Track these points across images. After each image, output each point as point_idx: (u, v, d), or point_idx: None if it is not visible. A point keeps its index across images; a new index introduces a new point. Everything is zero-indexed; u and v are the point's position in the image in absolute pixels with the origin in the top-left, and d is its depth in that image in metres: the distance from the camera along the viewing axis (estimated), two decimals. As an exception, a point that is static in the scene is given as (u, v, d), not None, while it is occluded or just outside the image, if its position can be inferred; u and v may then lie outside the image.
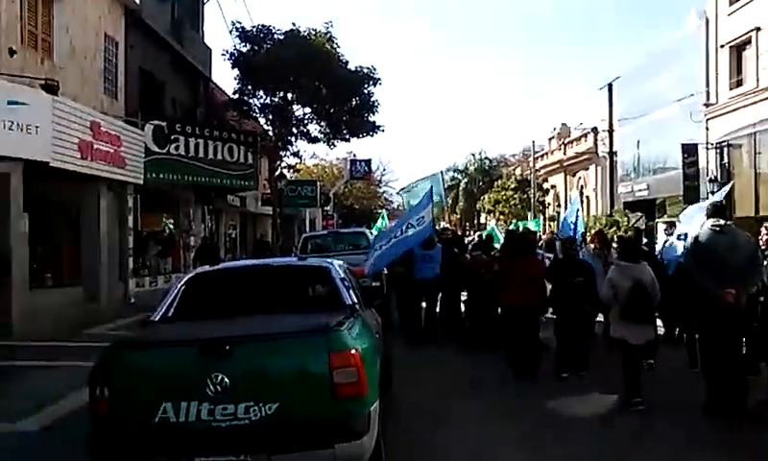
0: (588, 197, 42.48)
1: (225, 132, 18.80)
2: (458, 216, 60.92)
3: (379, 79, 17.61)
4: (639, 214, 27.38)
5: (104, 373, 4.17)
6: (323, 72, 16.80)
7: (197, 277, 5.88)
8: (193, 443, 4.01)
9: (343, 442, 4.02)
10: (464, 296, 11.29)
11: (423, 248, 10.70)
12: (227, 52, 17.88)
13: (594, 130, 40.17)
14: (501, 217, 48.47)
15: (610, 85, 28.91)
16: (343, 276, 5.70)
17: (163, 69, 18.96)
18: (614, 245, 11.60)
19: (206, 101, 22.98)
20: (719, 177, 24.57)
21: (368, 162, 38.98)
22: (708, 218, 6.74)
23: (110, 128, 14.36)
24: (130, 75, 16.67)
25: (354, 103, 17.96)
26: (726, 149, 24.13)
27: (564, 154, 45.89)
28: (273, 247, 23.12)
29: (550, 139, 48.78)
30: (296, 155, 18.84)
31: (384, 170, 54.49)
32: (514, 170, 55.98)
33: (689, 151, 25.07)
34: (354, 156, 39.38)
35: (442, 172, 18.10)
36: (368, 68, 17.53)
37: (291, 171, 20.37)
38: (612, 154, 28.47)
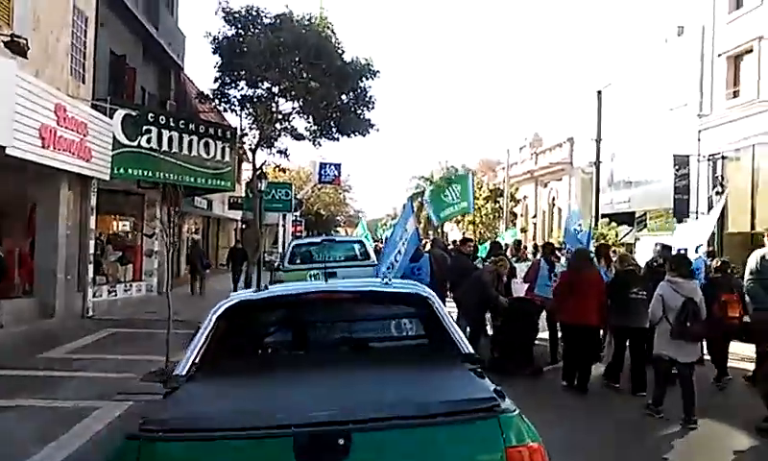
0: (560, 208, 41.75)
1: (201, 125, 16.86)
2: (422, 224, 59.87)
3: (377, 72, 16.01)
4: (629, 228, 26.53)
5: None
6: (317, 62, 15.06)
7: (238, 307, 4.04)
8: None
9: None
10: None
11: (411, 260, 9.58)
12: (209, 34, 15.90)
13: (570, 140, 39.49)
14: (471, 227, 47.45)
15: (599, 93, 27.99)
16: (443, 307, 4.10)
17: (135, 54, 16.99)
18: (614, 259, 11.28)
19: (178, 93, 21.06)
20: (711, 190, 23.83)
21: (338, 166, 37.16)
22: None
23: (77, 113, 12.40)
24: (99, 57, 14.68)
25: (347, 98, 16.26)
26: (720, 161, 23.39)
27: (536, 163, 45.12)
28: (249, 257, 21.30)
29: (521, 148, 47.97)
30: (283, 153, 16.98)
31: (348, 175, 52.85)
32: (481, 178, 55.17)
33: (681, 163, 24.26)
34: (323, 159, 37.58)
35: (472, 173, 16.73)
36: (365, 60, 15.85)
37: (277, 170, 18.47)
38: (598, 164, 27.54)
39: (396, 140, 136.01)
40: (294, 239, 19.56)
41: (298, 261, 12.97)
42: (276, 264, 16.83)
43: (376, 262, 13.34)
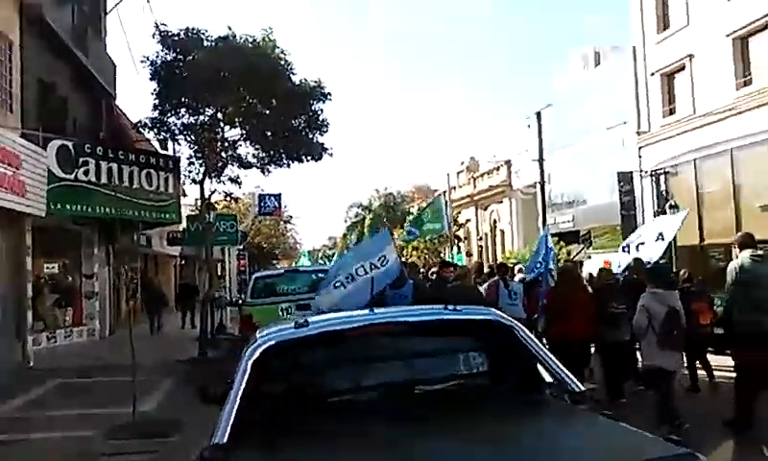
0: (502, 230, 42.09)
1: (142, 155, 15.91)
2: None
3: (329, 94, 15.45)
4: (580, 246, 26.77)
5: None
6: (266, 85, 14.39)
7: (279, 347, 3.26)
8: None
9: None
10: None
11: (394, 287, 9.01)
12: (146, 59, 15.02)
13: (508, 162, 39.99)
14: (415, 252, 47.26)
15: (538, 114, 28.36)
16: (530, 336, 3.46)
17: (64, 83, 15.91)
18: None
19: (109, 123, 19.96)
20: (657, 205, 24.31)
21: (278, 197, 36.24)
22: (740, 250, 6.94)
23: (7, 144, 11.33)
24: (26, 85, 13.60)
25: (298, 122, 15.63)
26: (663, 176, 23.92)
27: (475, 187, 45.49)
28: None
29: (458, 173, 48.31)
30: (234, 181, 16.12)
31: (286, 206, 51.83)
32: (419, 204, 55.31)
33: (624, 179, 24.71)
34: (262, 189, 36.66)
35: (443, 195, 16.59)
36: (314, 82, 15.28)
37: (227, 199, 17.56)
38: (543, 183, 27.76)
39: (329, 167, 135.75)
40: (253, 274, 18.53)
41: (263, 295, 12.15)
42: (234, 299, 15.88)
43: None
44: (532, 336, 3.42)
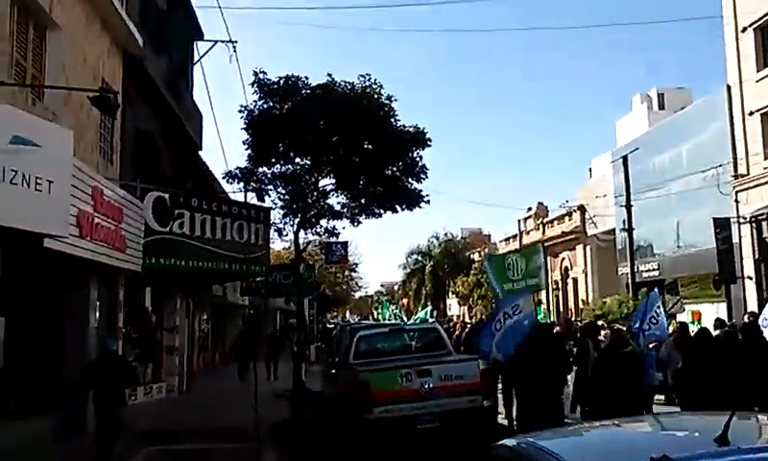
0: (575, 278, 40.52)
1: (234, 206, 15.39)
2: (422, 301, 58.19)
3: (429, 140, 14.72)
4: (677, 297, 25.21)
5: None
6: (365, 131, 13.75)
7: None
8: None
9: None
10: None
11: None
12: (243, 108, 14.60)
13: (581, 208, 38.67)
14: (480, 302, 45.97)
15: (624, 158, 27.12)
16: None
17: (158, 133, 15.62)
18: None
19: (194, 174, 19.68)
20: (757, 253, 22.71)
21: (344, 245, 35.71)
22: None
23: (112, 197, 10.86)
24: (126, 135, 13.27)
25: (394, 169, 14.91)
26: (765, 222, 22.37)
27: (544, 234, 44.15)
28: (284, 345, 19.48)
29: (525, 219, 47.05)
30: (331, 232, 15.47)
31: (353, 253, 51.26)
32: (484, 251, 54.01)
33: (722, 225, 23.20)
34: (329, 237, 36.19)
35: (542, 245, 15.44)
36: (414, 127, 14.57)
37: (322, 250, 16.92)
38: (630, 230, 26.37)
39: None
40: (344, 327, 17.73)
41: (369, 356, 11.22)
42: (330, 359, 14.97)
43: (453, 351, 11.76)
44: None
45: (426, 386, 9.35)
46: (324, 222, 15.26)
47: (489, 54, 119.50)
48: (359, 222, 16.36)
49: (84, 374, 9.73)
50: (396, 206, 15.51)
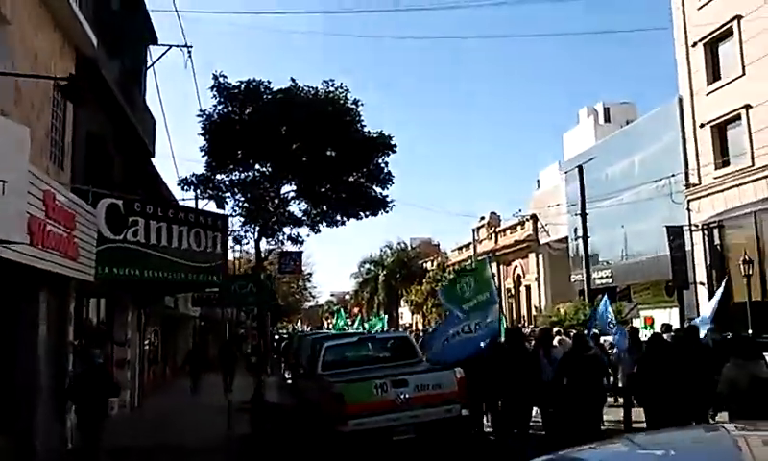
0: (527, 286, 40.92)
1: (191, 214, 14.82)
2: (375, 310, 57.87)
3: (395, 145, 14.47)
4: (633, 304, 25.61)
5: None
6: (328, 136, 13.41)
7: None
8: None
9: None
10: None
11: None
12: (202, 113, 14.07)
13: (533, 217, 39.13)
14: (435, 310, 45.99)
15: (580, 168, 27.47)
16: None
17: (110, 137, 14.95)
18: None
19: (146, 181, 18.95)
20: (709, 259, 23.27)
21: (298, 255, 35.23)
22: None
23: (65, 203, 10.23)
24: (77, 138, 12.61)
25: (358, 175, 14.61)
26: (717, 230, 22.95)
27: (496, 243, 44.54)
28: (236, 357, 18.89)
29: (478, 229, 47.37)
30: (295, 240, 15.03)
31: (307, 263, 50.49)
32: (437, 260, 54.10)
33: (675, 233, 23.73)
34: (281, 248, 35.69)
35: (488, 259, 15.19)
36: (377, 133, 14.30)
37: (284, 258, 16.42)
38: (586, 238, 26.71)
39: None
40: (303, 337, 17.27)
41: (339, 367, 10.85)
42: (289, 371, 14.54)
43: (424, 360, 11.49)
44: None
45: (402, 396, 9.09)
46: (287, 230, 14.79)
47: (431, 64, 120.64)
48: (319, 230, 16.01)
49: (70, 386, 10.19)
50: (360, 213, 15.19)
